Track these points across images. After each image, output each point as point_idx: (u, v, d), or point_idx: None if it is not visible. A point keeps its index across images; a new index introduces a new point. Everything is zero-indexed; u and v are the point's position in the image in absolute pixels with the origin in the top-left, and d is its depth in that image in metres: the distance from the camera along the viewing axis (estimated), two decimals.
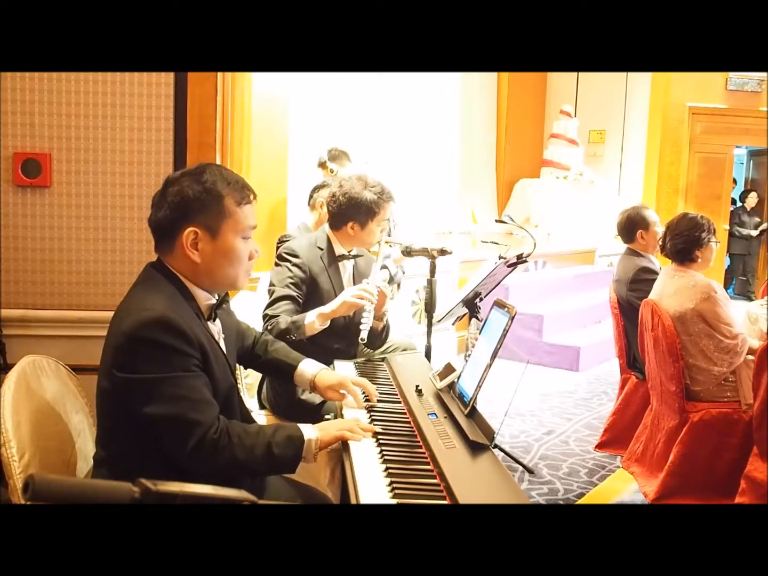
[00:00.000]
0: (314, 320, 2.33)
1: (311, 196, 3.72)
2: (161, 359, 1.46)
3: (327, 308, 2.35)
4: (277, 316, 2.40)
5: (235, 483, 1.65)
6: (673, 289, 3.07)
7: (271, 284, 2.54)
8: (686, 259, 3.11)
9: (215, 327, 1.66)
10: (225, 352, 1.68)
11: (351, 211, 2.58)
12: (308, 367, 1.97)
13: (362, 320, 2.36)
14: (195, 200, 1.53)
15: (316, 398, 2.44)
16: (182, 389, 1.47)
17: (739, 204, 9.82)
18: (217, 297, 1.66)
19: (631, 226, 3.64)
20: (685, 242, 3.10)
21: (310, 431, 1.61)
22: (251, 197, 1.61)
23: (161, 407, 1.45)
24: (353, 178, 2.64)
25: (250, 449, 1.53)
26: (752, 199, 9.53)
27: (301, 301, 2.50)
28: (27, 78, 2.43)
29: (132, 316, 1.48)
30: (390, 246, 3.59)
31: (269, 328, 2.38)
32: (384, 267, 3.09)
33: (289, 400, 2.49)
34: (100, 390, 1.57)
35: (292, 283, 2.50)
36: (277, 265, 2.59)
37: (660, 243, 3.25)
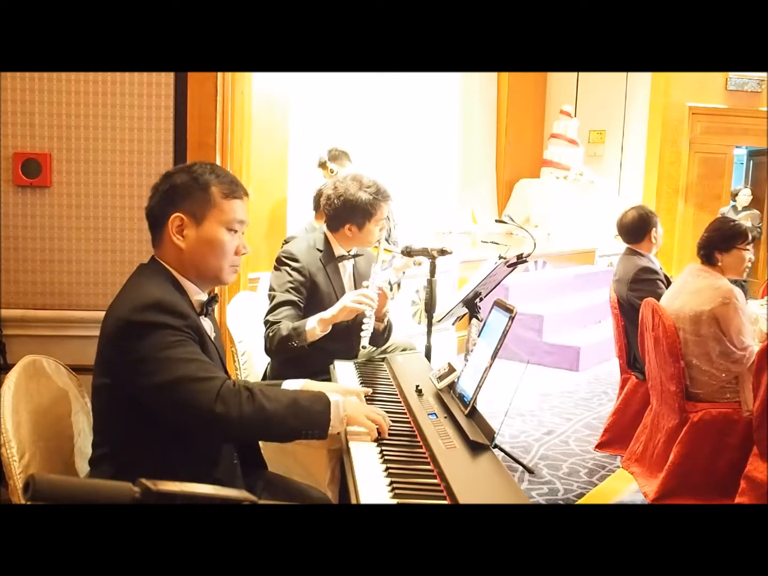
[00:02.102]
0: (315, 326, 2.29)
1: (317, 202, 3.68)
2: (162, 337, 1.48)
3: (327, 314, 2.32)
4: (279, 322, 2.36)
5: (235, 482, 1.66)
6: (694, 287, 3.06)
7: (271, 289, 2.51)
8: (708, 260, 3.11)
9: (207, 324, 1.68)
10: (217, 347, 1.71)
11: (347, 213, 2.53)
12: (292, 384, 1.89)
13: (363, 326, 2.33)
14: (182, 187, 1.59)
15: None
16: (189, 354, 1.49)
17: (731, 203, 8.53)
18: (208, 295, 1.69)
19: (645, 224, 3.64)
20: (706, 241, 3.10)
21: (334, 396, 1.61)
22: (241, 194, 1.64)
23: (172, 372, 1.46)
24: (348, 178, 2.57)
25: (275, 399, 1.53)
26: (745, 197, 8.26)
27: (302, 305, 2.47)
28: (27, 78, 2.43)
29: (127, 303, 1.51)
30: (393, 254, 3.55)
31: (271, 335, 2.35)
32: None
33: None
34: (96, 388, 1.58)
35: (292, 288, 2.46)
36: (276, 269, 2.54)
37: None
